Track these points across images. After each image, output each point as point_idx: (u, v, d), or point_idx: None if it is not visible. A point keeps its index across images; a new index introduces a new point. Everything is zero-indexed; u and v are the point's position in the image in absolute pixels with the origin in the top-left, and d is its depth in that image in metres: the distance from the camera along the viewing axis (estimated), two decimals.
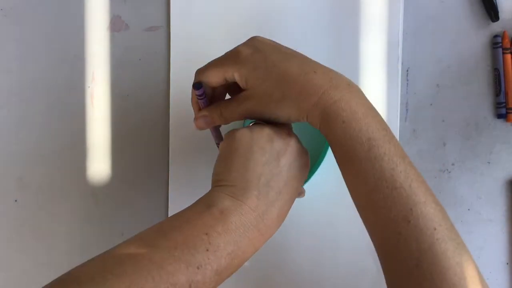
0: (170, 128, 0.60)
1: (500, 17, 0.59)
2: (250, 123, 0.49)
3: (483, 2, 0.59)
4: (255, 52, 0.45)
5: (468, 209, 0.60)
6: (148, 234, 0.41)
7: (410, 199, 0.41)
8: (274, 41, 0.47)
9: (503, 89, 0.59)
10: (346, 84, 0.44)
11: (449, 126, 0.60)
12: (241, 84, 0.46)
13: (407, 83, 0.60)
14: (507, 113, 0.59)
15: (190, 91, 0.61)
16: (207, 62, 0.48)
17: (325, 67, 0.45)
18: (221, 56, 0.47)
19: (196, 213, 0.41)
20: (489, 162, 0.60)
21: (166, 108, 0.61)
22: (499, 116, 0.60)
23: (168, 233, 0.40)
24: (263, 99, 0.45)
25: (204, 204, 0.42)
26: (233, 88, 0.49)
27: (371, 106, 0.44)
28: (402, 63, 0.60)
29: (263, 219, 0.42)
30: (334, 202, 0.60)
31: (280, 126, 0.47)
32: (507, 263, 0.60)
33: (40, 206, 0.62)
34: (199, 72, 0.48)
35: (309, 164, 0.47)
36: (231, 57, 0.46)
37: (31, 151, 0.62)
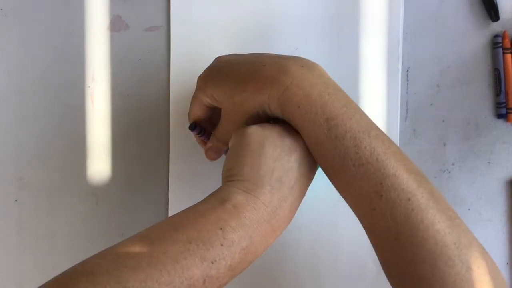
0: (170, 128, 0.60)
1: (500, 17, 0.59)
2: None
3: (483, 2, 0.59)
4: (212, 72, 0.48)
5: (468, 209, 0.60)
6: (160, 228, 0.40)
7: (379, 173, 0.40)
8: (235, 55, 0.49)
9: (503, 89, 0.59)
10: (299, 67, 0.43)
11: (449, 126, 0.60)
12: (215, 104, 0.48)
13: (407, 83, 0.60)
14: (507, 113, 0.59)
15: (190, 90, 0.61)
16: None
17: (278, 56, 0.45)
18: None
19: (209, 207, 0.41)
20: (489, 162, 0.60)
21: (166, 108, 0.61)
22: (499, 116, 0.60)
23: (182, 227, 0.39)
24: (233, 110, 0.46)
25: (217, 198, 0.41)
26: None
27: (329, 84, 0.43)
28: (402, 63, 0.60)
29: (276, 215, 0.42)
30: (334, 202, 0.60)
31: (288, 125, 0.47)
32: (507, 263, 0.60)
33: (40, 206, 0.62)
34: (188, 114, 0.52)
35: (316, 164, 0.47)
36: (198, 86, 0.49)
37: (31, 151, 0.62)
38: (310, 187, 0.56)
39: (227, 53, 0.59)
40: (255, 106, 0.45)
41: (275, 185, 0.42)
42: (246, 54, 0.48)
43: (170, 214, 0.60)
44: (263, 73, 0.43)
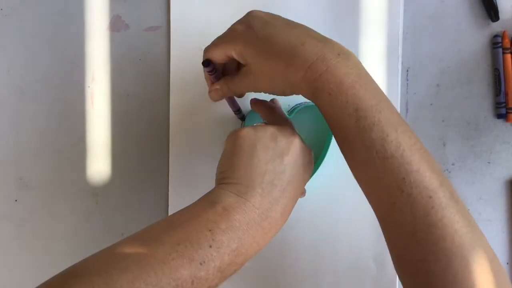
0: (170, 128, 0.60)
1: (500, 17, 0.59)
2: (251, 124, 0.49)
3: (483, 2, 0.59)
4: (248, 28, 0.46)
5: (468, 209, 0.60)
6: (151, 230, 0.41)
7: (402, 168, 0.40)
8: (269, 14, 0.47)
9: (503, 89, 0.59)
10: (336, 54, 0.43)
11: (449, 126, 0.60)
12: (240, 60, 0.47)
13: (407, 83, 0.60)
14: (507, 113, 0.59)
15: (190, 90, 0.61)
16: (213, 40, 0.49)
17: (316, 37, 0.44)
18: (222, 34, 0.48)
19: (199, 209, 0.41)
20: (489, 162, 0.60)
21: (166, 108, 0.61)
22: (499, 116, 0.60)
23: (172, 228, 0.40)
24: (257, 74, 0.45)
25: (208, 201, 0.42)
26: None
27: (362, 74, 0.43)
28: (402, 63, 0.60)
29: (267, 217, 0.42)
30: (334, 201, 0.60)
31: (283, 125, 0.47)
32: (507, 263, 0.60)
33: (40, 206, 0.62)
34: (206, 50, 0.49)
35: (312, 163, 0.48)
36: (228, 36, 0.47)
37: (31, 151, 0.62)
38: (310, 186, 0.56)
39: None
40: (285, 84, 0.45)
41: (267, 188, 0.42)
42: (284, 21, 0.46)
43: (170, 214, 0.60)
44: (301, 54, 0.43)
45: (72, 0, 0.61)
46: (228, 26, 0.61)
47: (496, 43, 0.59)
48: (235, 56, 0.46)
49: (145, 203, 0.61)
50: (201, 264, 0.38)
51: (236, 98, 0.56)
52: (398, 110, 0.59)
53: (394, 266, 0.43)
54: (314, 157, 0.57)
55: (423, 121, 0.60)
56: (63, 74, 0.62)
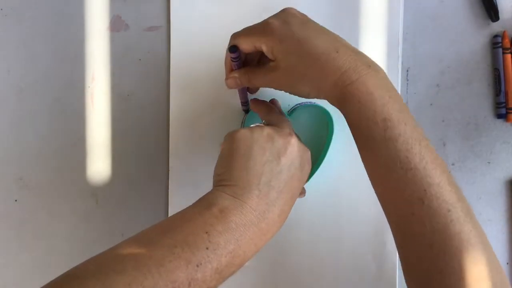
0: (170, 128, 0.60)
1: (500, 17, 0.59)
2: (251, 124, 0.49)
3: (483, 2, 0.59)
4: (284, 24, 0.46)
5: None
6: (148, 233, 0.41)
7: (424, 180, 0.41)
8: (304, 15, 0.47)
9: (503, 89, 0.59)
10: (367, 65, 0.44)
11: (449, 126, 0.60)
12: (268, 55, 0.47)
13: (407, 83, 0.60)
14: (507, 113, 0.59)
15: (190, 90, 0.61)
16: (244, 28, 0.49)
17: (348, 46, 0.45)
18: (254, 25, 0.48)
19: (196, 212, 0.42)
20: (489, 162, 0.60)
21: (166, 108, 0.61)
22: (499, 116, 0.60)
23: (169, 231, 0.40)
24: (286, 72, 0.45)
25: (205, 203, 0.42)
26: (265, 55, 0.49)
27: (390, 87, 0.44)
28: (402, 63, 0.60)
29: (264, 218, 0.42)
30: (334, 201, 0.60)
31: (280, 126, 0.47)
32: (507, 263, 0.60)
33: (40, 206, 0.62)
34: (234, 36, 0.49)
35: (310, 163, 0.48)
36: (261, 28, 0.47)
37: (31, 151, 0.62)
38: (310, 186, 0.56)
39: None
40: (313, 87, 0.45)
41: (263, 189, 0.43)
42: (317, 25, 0.47)
43: (170, 214, 0.60)
44: (335, 60, 0.44)
45: (72, 0, 0.61)
46: (228, 25, 0.61)
47: (496, 43, 0.59)
48: (265, 50, 0.46)
49: (145, 203, 0.61)
50: (197, 266, 0.38)
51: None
52: None
53: (405, 276, 0.44)
54: (314, 157, 0.57)
55: (423, 121, 0.60)
56: (63, 74, 0.62)
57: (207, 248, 0.39)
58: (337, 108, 0.45)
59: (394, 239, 0.44)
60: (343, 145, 0.59)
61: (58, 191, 0.61)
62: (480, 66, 0.60)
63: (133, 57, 0.61)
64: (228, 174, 0.43)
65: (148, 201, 0.61)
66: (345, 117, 0.45)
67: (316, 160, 0.58)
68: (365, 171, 0.59)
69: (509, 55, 0.59)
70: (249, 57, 0.51)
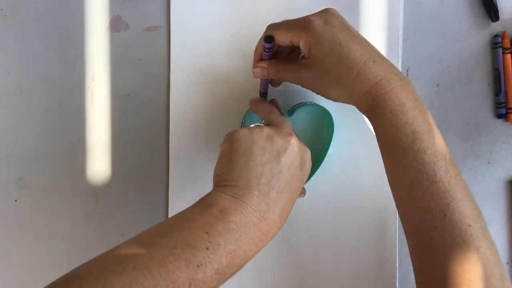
0: (170, 128, 0.60)
1: (500, 17, 0.59)
2: (251, 124, 0.49)
3: (483, 2, 0.59)
4: (326, 25, 0.46)
5: None
6: (149, 234, 0.41)
7: (448, 194, 0.42)
8: (344, 19, 0.48)
9: (503, 89, 0.59)
10: (399, 77, 0.45)
11: (449, 126, 0.60)
12: (304, 52, 0.47)
13: None
14: (507, 113, 0.59)
15: (190, 90, 0.61)
16: (282, 21, 0.49)
17: (383, 57, 0.46)
18: (294, 19, 0.48)
19: (196, 212, 0.42)
20: (489, 162, 0.60)
21: (166, 108, 0.61)
22: (499, 116, 0.60)
23: (169, 232, 0.40)
24: (319, 73, 0.46)
25: (205, 204, 0.42)
26: (297, 51, 0.50)
27: (419, 100, 0.45)
28: (402, 63, 0.60)
29: (265, 219, 0.42)
30: (335, 201, 0.60)
31: (280, 126, 0.47)
32: (507, 263, 0.60)
33: (40, 206, 0.62)
34: (272, 27, 0.49)
35: (310, 162, 0.48)
36: (302, 24, 0.47)
37: (31, 151, 0.62)
38: (310, 186, 0.56)
39: (227, 53, 0.60)
40: (345, 91, 0.46)
41: (264, 190, 0.43)
42: (356, 31, 0.47)
43: (170, 214, 0.60)
44: (372, 69, 0.44)
45: (72, 0, 0.61)
46: (228, 25, 0.61)
47: (496, 43, 0.59)
48: (302, 46, 0.47)
49: (145, 203, 0.61)
50: (198, 266, 0.38)
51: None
52: None
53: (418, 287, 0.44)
54: (315, 157, 0.57)
55: None
56: (63, 74, 0.62)
57: (207, 249, 0.39)
58: (365, 115, 0.46)
59: (411, 250, 0.45)
60: (343, 144, 0.59)
61: (58, 191, 0.61)
62: (480, 66, 0.60)
63: (133, 57, 0.61)
64: (228, 175, 0.44)
65: (148, 201, 0.61)
66: (373, 125, 0.46)
67: (316, 160, 0.58)
68: (365, 171, 0.59)
69: (509, 55, 0.59)
70: (279, 50, 0.51)
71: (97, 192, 0.61)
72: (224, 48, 0.60)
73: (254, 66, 0.51)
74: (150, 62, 0.61)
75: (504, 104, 0.59)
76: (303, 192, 0.53)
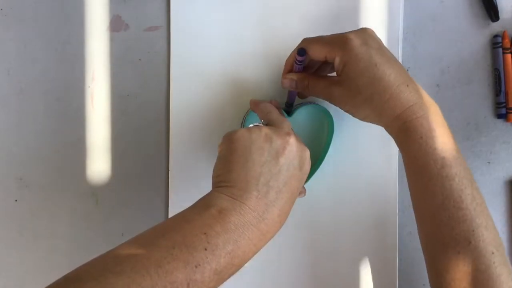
0: (170, 128, 0.60)
1: (500, 17, 0.59)
2: (250, 124, 0.49)
3: (483, 2, 0.59)
4: (363, 45, 0.46)
5: None
6: (148, 234, 0.41)
7: (474, 221, 0.43)
8: (381, 41, 0.48)
9: (503, 89, 0.59)
10: (430, 102, 0.46)
11: (449, 126, 0.60)
12: (337, 69, 0.47)
13: None
14: (507, 113, 0.59)
15: (190, 90, 0.61)
16: (317, 36, 0.49)
17: (415, 82, 0.47)
18: (330, 35, 0.49)
19: (195, 213, 0.42)
20: (489, 162, 0.60)
21: (166, 108, 0.61)
22: (499, 116, 0.60)
23: (168, 232, 0.40)
24: (351, 91, 0.46)
25: (204, 204, 0.42)
26: (327, 66, 0.50)
27: (447, 127, 0.46)
28: (402, 63, 0.60)
29: (264, 219, 0.42)
30: (334, 201, 0.60)
31: (279, 126, 0.47)
32: None
33: (40, 206, 0.62)
34: (307, 41, 0.50)
35: (309, 162, 0.48)
36: (340, 41, 0.47)
37: (31, 151, 0.62)
38: (311, 187, 0.56)
39: (227, 53, 0.60)
40: (375, 112, 0.46)
41: (262, 190, 0.43)
42: (391, 53, 0.48)
43: (170, 214, 0.60)
44: (405, 93, 0.45)
45: (72, 0, 0.61)
46: (228, 25, 0.61)
47: (496, 43, 0.59)
48: (336, 63, 0.47)
49: (145, 203, 0.61)
50: (196, 267, 0.38)
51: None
52: None
53: None
54: (314, 157, 0.57)
55: None
56: (63, 74, 0.62)
57: (205, 249, 0.39)
58: (394, 138, 0.47)
59: (431, 274, 0.45)
60: (343, 145, 0.59)
61: (58, 191, 0.61)
62: (480, 66, 0.60)
63: (133, 57, 0.61)
64: (227, 175, 0.44)
65: (148, 201, 0.61)
66: (401, 147, 0.46)
67: (316, 160, 0.58)
68: (365, 171, 0.59)
69: (509, 55, 0.59)
70: (309, 63, 0.52)
71: (97, 192, 0.61)
72: (224, 48, 0.60)
73: (284, 77, 0.52)
74: (150, 62, 0.61)
75: (504, 104, 0.59)
76: (303, 191, 0.53)
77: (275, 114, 0.50)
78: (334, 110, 0.58)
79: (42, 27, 0.62)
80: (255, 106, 0.53)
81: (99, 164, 0.61)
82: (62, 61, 0.62)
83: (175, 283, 0.37)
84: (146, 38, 0.61)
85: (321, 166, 0.58)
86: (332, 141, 0.58)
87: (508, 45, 0.59)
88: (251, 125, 0.48)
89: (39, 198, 0.62)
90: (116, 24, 0.61)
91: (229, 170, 0.44)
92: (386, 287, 0.59)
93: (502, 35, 0.59)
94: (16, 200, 0.62)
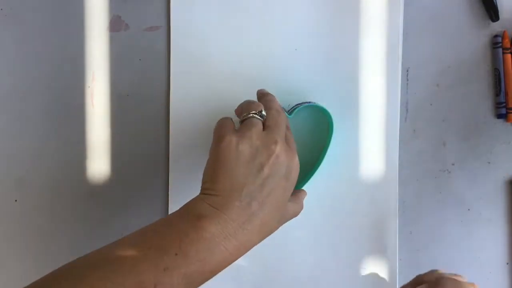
0: (170, 128, 0.60)
1: (500, 17, 0.59)
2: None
3: (483, 2, 0.59)
4: None
5: (468, 209, 0.60)
6: (134, 235, 0.43)
7: None
8: None
9: (503, 89, 0.59)
10: None
11: (449, 126, 0.60)
12: None
13: (407, 83, 0.60)
14: (507, 113, 0.59)
15: (190, 90, 0.61)
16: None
17: None
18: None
19: (177, 218, 0.43)
20: (489, 162, 0.60)
21: (166, 108, 0.61)
22: (499, 116, 0.59)
23: (149, 235, 0.42)
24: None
25: (186, 210, 0.44)
26: None
27: None
28: (402, 63, 0.60)
29: (244, 229, 0.43)
30: (334, 202, 0.60)
31: (269, 131, 0.47)
32: (507, 263, 0.60)
33: (40, 206, 0.62)
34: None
35: (297, 169, 0.47)
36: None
37: (31, 151, 0.62)
38: (311, 187, 0.56)
39: (227, 53, 0.60)
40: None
41: (245, 201, 0.43)
42: None
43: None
44: None
45: (72, 0, 0.61)
46: (228, 26, 0.61)
47: (496, 43, 0.59)
48: None
49: (145, 203, 0.61)
50: (164, 270, 0.39)
51: None
52: (398, 110, 0.59)
53: None
54: (314, 157, 0.58)
55: (423, 121, 0.60)
56: (63, 74, 0.62)
57: (176, 254, 0.40)
58: None
59: None
60: (343, 145, 0.59)
61: (58, 191, 0.61)
62: (480, 66, 0.60)
63: (133, 57, 0.61)
64: (211, 183, 0.44)
65: (148, 201, 0.61)
66: None
67: (316, 160, 0.58)
68: (365, 171, 0.59)
69: (509, 55, 0.59)
70: None
71: (97, 192, 0.61)
72: (224, 48, 0.60)
73: None
74: (150, 62, 0.61)
75: (504, 104, 0.59)
76: (297, 210, 0.52)
77: (275, 104, 0.50)
78: (334, 110, 0.58)
79: (42, 27, 0.62)
80: (261, 95, 0.53)
81: (99, 164, 0.61)
82: (62, 61, 0.62)
83: (143, 283, 0.39)
84: (146, 38, 0.61)
85: (321, 166, 0.58)
86: (332, 141, 0.58)
87: (508, 45, 0.59)
88: (240, 128, 0.47)
89: (39, 198, 0.62)
90: (116, 24, 0.61)
91: (214, 179, 0.44)
92: (386, 287, 0.59)
93: (502, 35, 0.59)
94: (16, 200, 0.62)
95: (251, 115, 0.48)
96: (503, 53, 0.59)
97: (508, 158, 0.60)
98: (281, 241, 0.59)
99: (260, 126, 0.47)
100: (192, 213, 0.43)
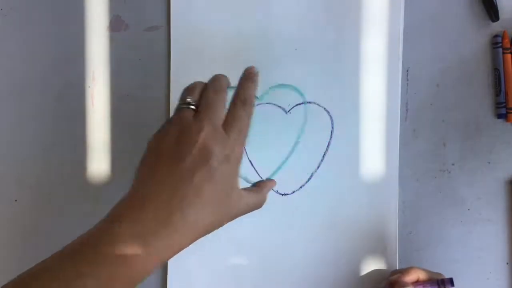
0: None
1: (500, 17, 0.59)
2: None
3: (483, 2, 0.59)
4: None
5: (468, 209, 0.60)
6: (73, 242, 0.45)
7: None
8: None
9: (503, 89, 0.59)
10: None
11: (449, 126, 0.60)
12: None
13: (407, 83, 0.60)
14: (507, 113, 0.59)
15: None
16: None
17: None
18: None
19: (97, 228, 0.45)
20: (489, 162, 0.60)
21: (166, 108, 0.61)
22: (499, 116, 0.60)
23: (74, 241, 0.45)
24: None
25: (105, 221, 0.45)
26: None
27: None
28: (402, 63, 0.60)
29: (161, 239, 0.40)
30: (333, 202, 0.60)
31: (197, 116, 0.44)
32: (507, 263, 0.60)
33: (40, 206, 0.62)
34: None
35: (238, 159, 0.43)
36: None
37: (31, 151, 0.62)
38: (309, 188, 0.56)
39: (227, 53, 0.60)
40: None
41: (161, 207, 0.41)
42: None
43: None
44: None
45: (72, 0, 0.61)
46: (228, 26, 0.61)
47: (496, 43, 0.59)
48: None
49: None
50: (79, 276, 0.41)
51: None
52: (398, 110, 0.59)
53: None
54: (314, 157, 0.57)
55: (423, 121, 0.60)
56: (63, 74, 0.62)
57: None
58: None
59: None
60: (343, 145, 0.59)
61: (58, 191, 0.61)
62: (480, 66, 0.60)
63: (133, 57, 0.61)
64: (135, 185, 0.44)
65: None
66: None
67: (316, 160, 0.58)
68: (365, 171, 0.59)
69: (509, 55, 0.59)
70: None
71: (97, 192, 0.61)
72: (224, 48, 0.60)
73: None
74: (150, 62, 0.61)
75: (504, 104, 0.59)
76: (259, 199, 0.47)
77: (220, 83, 0.47)
78: (334, 110, 0.58)
79: (42, 27, 0.62)
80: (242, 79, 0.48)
81: (99, 164, 0.61)
82: (62, 61, 0.62)
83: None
84: (146, 38, 0.61)
85: (321, 166, 0.58)
86: (332, 141, 0.58)
87: (508, 45, 0.59)
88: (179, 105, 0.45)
89: (39, 198, 0.62)
90: (116, 24, 0.61)
91: (137, 180, 0.45)
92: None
93: (502, 35, 0.59)
94: (16, 200, 0.62)
95: (182, 106, 0.45)
96: (503, 53, 0.59)
97: (508, 158, 0.60)
98: (281, 241, 0.59)
99: (187, 114, 0.44)
100: (110, 216, 0.44)
